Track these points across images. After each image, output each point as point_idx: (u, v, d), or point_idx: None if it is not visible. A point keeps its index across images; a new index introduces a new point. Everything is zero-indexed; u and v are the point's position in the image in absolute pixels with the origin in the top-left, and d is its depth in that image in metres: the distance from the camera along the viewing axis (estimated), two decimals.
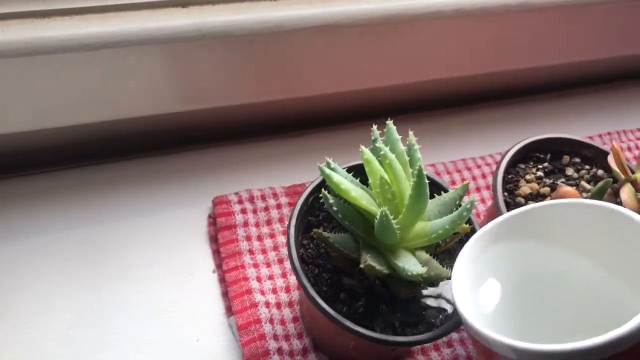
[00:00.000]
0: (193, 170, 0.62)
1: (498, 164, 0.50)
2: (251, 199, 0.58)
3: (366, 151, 0.41)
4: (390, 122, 0.43)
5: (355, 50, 0.59)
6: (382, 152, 0.39)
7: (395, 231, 0.39)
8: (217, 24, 0.50)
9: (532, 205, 0.42)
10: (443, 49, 0.61)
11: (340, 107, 0.65)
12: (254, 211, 0.58)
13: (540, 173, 0.52)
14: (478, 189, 0.63)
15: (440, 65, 0.62)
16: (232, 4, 0.50)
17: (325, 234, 0.42)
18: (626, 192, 0.47)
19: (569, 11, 0.65)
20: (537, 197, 0.51)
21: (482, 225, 0.58)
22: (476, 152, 0.65)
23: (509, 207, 0.50)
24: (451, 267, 0.46)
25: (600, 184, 0.46)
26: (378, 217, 0.38)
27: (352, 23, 0.55)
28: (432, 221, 0.42)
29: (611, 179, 0.47)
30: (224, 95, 0.59)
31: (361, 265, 0.39)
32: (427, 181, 0.38)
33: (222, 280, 0.54)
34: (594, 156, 0.53)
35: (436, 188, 0.47)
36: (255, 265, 0.55)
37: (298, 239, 0.45)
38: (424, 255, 0.43)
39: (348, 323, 0.40)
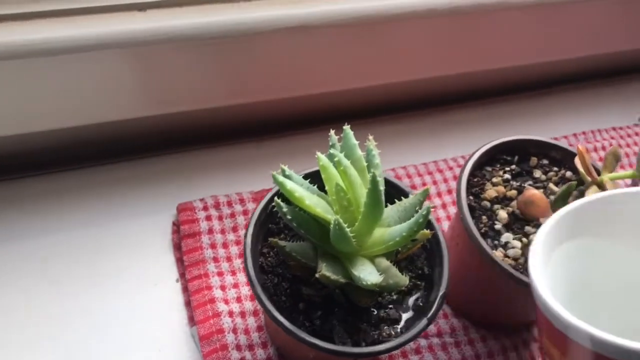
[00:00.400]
0: (159, 176, 0.60)
1: (462, 167, 0.49)
2: (217, 205, 0.57)
3: (322, 157, 0.40)
4: (347, 127, 0.42)
5: (321, 53, 0.57)
6: (336, 159, 0.38)
7: (351, 239, 0.38)
8: (173, 28, 0.48)
9: (595, 196, 0.40)
10: (411, 50, 0.60)
11: (307, 110, 0.63)
12: (220, 218, 0.57)
13: (507, 175, 0.51)
14: (442, 193, 0.62)
15: (409, 67, 0.61)
16: (191, 7, 0.49)
17: (282, 242, 0.41)
18: (591, 194, 0.46)
19: (545, 10, 0.65)
20: (503, 200, 0.50)
21: (449, 231, 0.57)
22: (444, 155, 0.64)
23: (474, 211, 0.49)
24: (413, 273, 0.45)
25: (563, 187, 0.45)
26: (332, 225, 0.37)
27: (318, 25, 0.54)
28: (391, 228, 0.41)
29: (575, 182, 0.46)
30: (188, 100, 0.58)
31: (316, 275, 0.38)
32: (382, 188, 0.37)
33: (185, 289, 0.53)
34: (562, 157, 0.53)
35: (398, 193, 0.46)
36: (220, 274, 0.54)
37: (257, 248, 0.44)
38: (384, 263, 0.42)
39: (304, 335, 0.39)
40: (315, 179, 0.42)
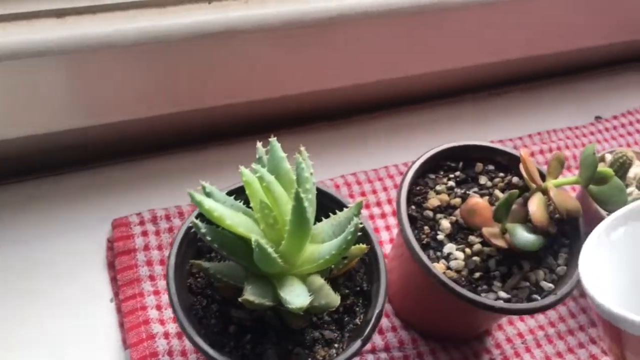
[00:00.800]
0: (94, 189, 0.57)
1: (403, 176, 0.47)
2: (154, 220, 0.54)
3: (246, 172, 0.37)
4: (273, 140, 0.39)
5: (261, 57, 0.55)
6: (258, 174, 0.36)
7: (275, 260, 0.36)
8: (94, 35, 0.45)
9: None
10: (352, 54, 0.58)
11: (249, 117, 0.61)
12: (157, 233, 0.54)
13: (451, 183, 0.50)
14: (382, 203, 0.59)
15: (350, 71, 0.59)
16: (109, 13, 0.46)
17: (205, 264, 0.38)
18: (535, 202, 0.44)
19: (494, 9, 0.63)
20: (447, 209, 0.48)
21: (395, 241, 0.55)
22: (388, 162, 0.62)
23: (416, 221, 0.47)
24: (351, 290, 0.43)
25: (505, 196, 0.43)
26: (253, 246, 0.35)
27: (252, 29, 0.51)
28: (322, 245, 0.39)
29: (516, 191, 0.44)
30: (122, 109, 0.55)
31: (239, 300, 0.36)
32: (306, 204, 0.35)
33: (119, 310, 0.51)
34: (508, 163, 0.51)
35: (335, 204, 0.44)
36: (156, 292, 0.51)
37: (183, 268, 0.41)
38: (318, 281, 0.40)
39: None
40: (244, 194, 0.40)
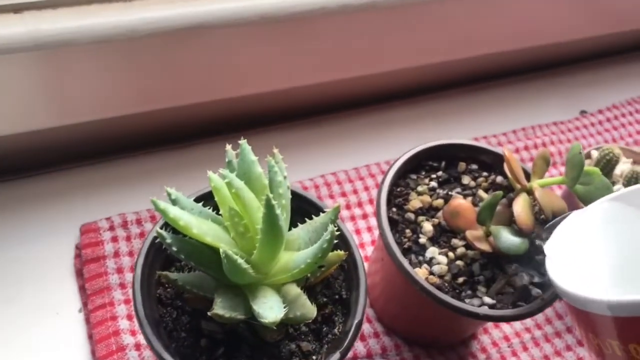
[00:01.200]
0: (62, 193, 0.55)
1: (383, 177, 0.45)
2: (124, 225, 0.52)
3: (214, 178, 0.35)
4: (244, 142, 0.37)
5: (235, 53, 0.53)
6: (227, 180, 0.34)
7: (246, 271, 0.34)
8: (53, 31, 0.43)
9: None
10: (327, 49, 0.55)
11: (224, 115, 0.59)
12: (127, 238, 0.51)
13: (433, 183, 0.48)
14: (362, 203, 0.57)
15: (328, 67, 0.57)
16: (71, 8, 0.44)
17: (173, 275, 0.36)
18: (520, 203, 0.42)
19: (476, 2, 0.61)
20: (429, 210, 0.46)
21: (376, 243, 0.53)
22: (369, 160, 0.60)
23: (397, 224, 0.45)
24: (329, 298, 0.41)
25: (489, 197, 0.42)
26: (222, 257, 0.32)
27: (223, 24, 0.49)
28: (297, 254, 0.36)
29: (500, 193, 0.42)
30: (90, 109, 0.52)
31: (208, 314, 0.34)
32: (278, 212, 0.33)
33: (88, 320, 0.48)
34: (492, 161, 0.49)
35: (313, 208, 0.42)
36: (127, 301, 0.49)
37: (151, 279, 0.39)
38: (294, 291, 0.37)
39: None
40: (214, 199, 0.38)
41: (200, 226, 0.34)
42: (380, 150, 0.60)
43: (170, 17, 0.46)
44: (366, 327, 0.51)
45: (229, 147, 0.38)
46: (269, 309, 0.34)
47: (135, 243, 0.52)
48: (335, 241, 0.35)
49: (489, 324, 0.53)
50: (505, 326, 0.53)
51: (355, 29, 0.55)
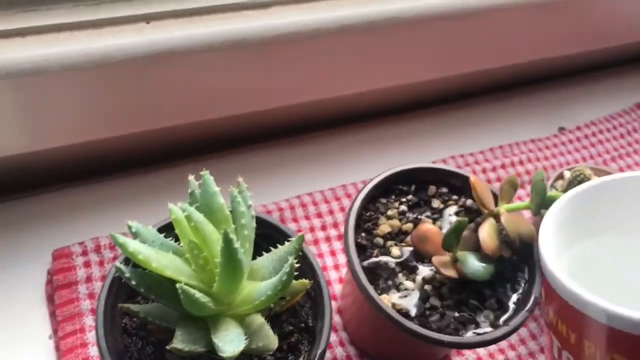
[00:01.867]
0: (35, 217, 0.55)
1: (351, 202, 0.45)
2: (97, 249, 0.52)
3: (175, 210, 0.35)
4: (206, 173, 0.37)
5: (207, 77, 0.53)
6: (186, 213, 0.34)
7: (205, 304, 0.34)
8: (21, 60, 0.43)
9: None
10: (297, 72, 0.56)
11: (197, 138, 0.59)
12: (100, 263, 0.51)
13: (403, 207, 0.48)
14: (327, 227, 0.57)
15: (295, 90, 0.57)
16: (39, 36, 0.44)
17: (136, 307, 0.36)
18: (485, 229, 0.43)
19: (451, 23, 0.61)
20: (398, 235, 0.47)
21: (348, 268, 0.53)
22: (345, 180, 0.60)
23: (365, 250, 0.45)
24: (295, 327, 0.41)
25: (453, 224, 0.42)
26: (179, 292, 0.32)
27: (193, 50, 0.49)
28: (259, 285, 0.36)
29: (466, 219, 0.42)
30: (60, 135, 0.52)
31: (167, 348, 0.34)
32: (236, 246, 0.33)
33: (57, 347, 0.48)
34: (462, 185, 0.49)
35: (281, 235, 0.42)
36: None
37: (115, 310, 0.39)
38: (258, 321, 0.38)
39: None
40: None
41: (160, 260, 0.34)
42: (358, 170, 0.60)
43: (139, 44, 0.46)
44: (339, 351, 0.51)
45: (191, 177, 0.38)
46: (229, 342, 0.34)
47: (108, 267, 0.52)
48: (296, 272, 0.35)
49: None
50: (478, 349, 0.53)
51: (326, 51, 0.55)
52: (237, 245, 0.33)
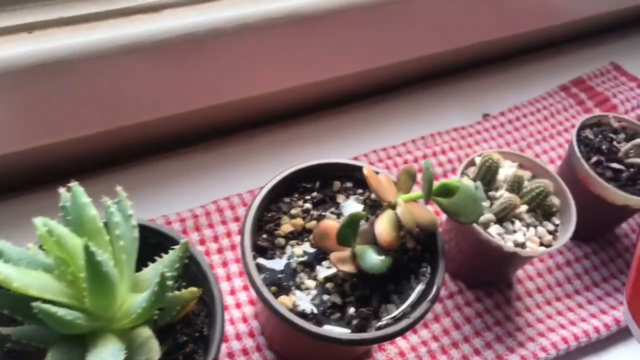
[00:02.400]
0: None
1: (251, 202, 0.44)
2: None
3: (39, 225, 0.33)
4: (75, 185, 0.35)
5: (105, 84, 0.51)
6: (46, 229, 0.32)
7: (72, 322, 0.32)
8: None
9: None
10: (209, 73, 0.54)
11: (104, 147, 0.57)
12: None
13: (308, 205, 0.47)
14: (232, 233, 0.56)
15: (204, 92, 0.56)
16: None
17: (5, 330, 0.34)
18: (382, 221, 0.42)
19: (373, 12, 0.60)
20: (301, 233, 0.46)
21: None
22: (252, 185, 0.58)
23: (265, 252, 0.44)
24: (190, 336, 0.40)
25: (345, 218, 0.41)
26: (37, 311, 0.31)
27: (90, 56, 0.47)
28: (138, 297, 0.35)
29: (359, 212, 0.41)
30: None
31: None
32: (99, 259, 0.31)
33: None
34: None
35: (169, 242, 0.41)
36: None
37: None
38: (144, 334, 0.36)
39: None
40: None
41: (23, 278, 0.32)
42: (261, 175, 0.59)
43: (22, 55, 0.44)
44: (256, 356, 0.49)
45: (62, 190, 0.36)
46: (103, 359, 0.32)
47: None
48: (181, 283, 0.34)
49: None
50: (400, 341, 0.53)
51: (229, 52, 0.54)
52: (100, 257, 0.31)
